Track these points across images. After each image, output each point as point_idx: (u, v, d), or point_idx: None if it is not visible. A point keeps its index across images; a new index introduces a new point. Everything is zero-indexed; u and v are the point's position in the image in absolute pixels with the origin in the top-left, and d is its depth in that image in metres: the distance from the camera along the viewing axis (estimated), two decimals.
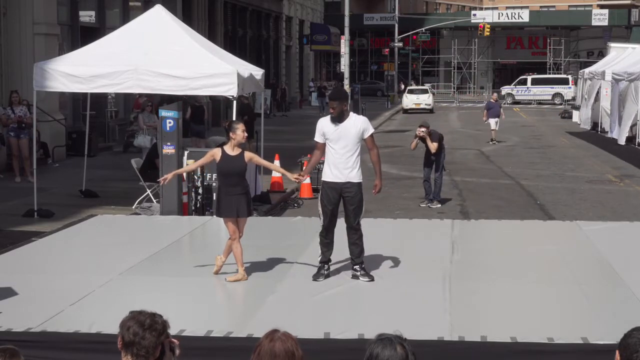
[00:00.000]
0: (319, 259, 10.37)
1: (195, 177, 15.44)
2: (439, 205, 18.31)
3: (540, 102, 63.74)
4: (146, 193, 16.53)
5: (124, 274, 10.52)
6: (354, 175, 10.29)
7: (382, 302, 9.40)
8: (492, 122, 33.16)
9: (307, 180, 18.71)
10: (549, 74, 72.43)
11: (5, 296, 9.26)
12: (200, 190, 15.55)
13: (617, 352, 4.21)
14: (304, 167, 17.36)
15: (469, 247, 12.28)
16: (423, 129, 18.17)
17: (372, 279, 10.22)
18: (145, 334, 4.33)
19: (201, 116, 24.76)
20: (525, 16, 77.99)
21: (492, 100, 34.73)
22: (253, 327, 8.02)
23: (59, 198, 17.85)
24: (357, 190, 10.33)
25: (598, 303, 9.43)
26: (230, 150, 10.22)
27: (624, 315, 8.49)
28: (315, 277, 10.22)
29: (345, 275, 10.39)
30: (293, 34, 59.59)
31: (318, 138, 10.43)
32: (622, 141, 31.37)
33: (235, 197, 10.16)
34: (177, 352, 4.53)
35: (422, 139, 18.25)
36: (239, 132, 10.16)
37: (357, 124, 10.28)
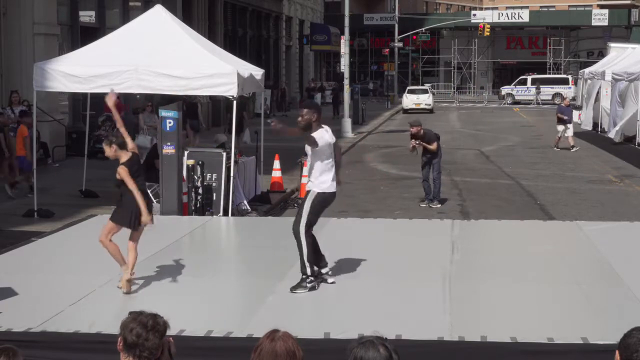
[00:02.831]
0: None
1: (196, 177, 15.44)
2: (439, 205, 18.28)
3: (540, 102, 63.74)
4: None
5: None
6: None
7: (382, 302, 9.39)
8: (561, 128, 30.73)
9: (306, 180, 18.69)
10: (549, 74, 72.42)
11: (6, 296, 9.26)
12: (200, 191, 15.55)
13: (616, 352, 4.21)
14: (303, 167, 17.41)
15: (469, 247, 12.28)
16: (415, 130, 17.91)
17: (301, 292, 9.72)
18: (149, 336, 4.32)
19: (195, 112, 26.08)
20: (525, 16, 78.00)
21: (563, 104, 32.18)
22: (253, 327, 8.02)
23: (59, 198, 17.85)
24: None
25: (598, 303, 9.43)
26: None
27: (624, 315, 8.49)
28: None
29: (344, 276, 10.37)
30: (293, 34, 59.58)
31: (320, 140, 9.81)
32: (617, 139, 31.33)
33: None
34: (173, 350, 4.53)
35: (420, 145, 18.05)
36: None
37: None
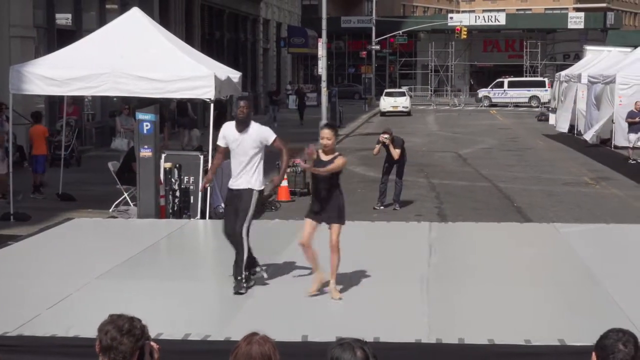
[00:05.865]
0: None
1: (173, 180, 15.39)
2: (399, 209, 18.31)
3: (516, 105, 64.00)
4: (123, 196, 16.47)
5: (101, 277, 10.47)
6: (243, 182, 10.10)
7: (360, 305, 9.41)
8: (633, 137, 27.04)
9: (285, 183, 18.65)
10: (526, 76, 72.69)
11: None
12: (177, 194, 15.50)
13: (593, 353, 4.24)
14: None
15: (446, 250, 12.32)
16: (386, 136, 18.16)
17: (244, 292, 9.78)
18: (122, 339, 4.32)
19: (185, 110, 26.93)
20: (501, 19, 78.29)
21: (635, 109, 27.47)
22: (231, 331, 8.01)
23: (35, 201, 17.76)
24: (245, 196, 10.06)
25: (575, 305, 9.48)
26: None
27: (601, 316, 8.55)
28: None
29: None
30: (270, 37, 59.52)
31: (220, 142, 10.25)
32: (591, 140, 31.38)
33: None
34: (156, 356, 4.52)
35: (385, 146, 18.21)
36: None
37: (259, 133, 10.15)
